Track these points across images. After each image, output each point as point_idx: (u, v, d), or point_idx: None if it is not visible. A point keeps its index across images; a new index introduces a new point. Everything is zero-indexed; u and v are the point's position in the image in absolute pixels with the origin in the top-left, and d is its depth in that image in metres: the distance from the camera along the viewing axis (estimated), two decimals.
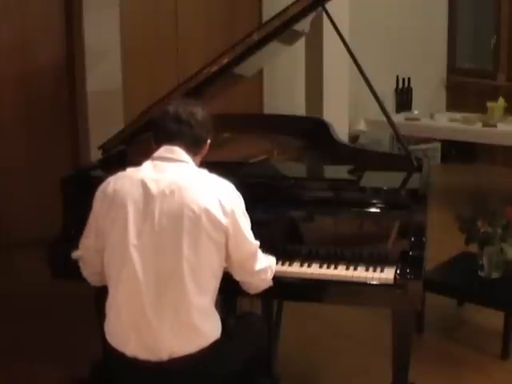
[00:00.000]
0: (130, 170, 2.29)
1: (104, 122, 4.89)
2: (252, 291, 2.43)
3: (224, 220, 2.19)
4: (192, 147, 2.32)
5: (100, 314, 2.46)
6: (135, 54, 5.41)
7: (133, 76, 5.34)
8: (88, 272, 2.43)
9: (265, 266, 2.37)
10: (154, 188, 2.19)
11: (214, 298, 2.28)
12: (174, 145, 2.29)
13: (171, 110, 2.34)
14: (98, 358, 2.41)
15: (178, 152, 2.28)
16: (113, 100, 5.15)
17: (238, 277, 2.37)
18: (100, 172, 3.06)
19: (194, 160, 2.33)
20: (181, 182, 2.20)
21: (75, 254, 2.56)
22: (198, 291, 2.17)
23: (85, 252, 2.39)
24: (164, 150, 2.30)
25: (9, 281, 4.55)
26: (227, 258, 2.28)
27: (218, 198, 2.20)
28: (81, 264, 2.44)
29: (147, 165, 2.28)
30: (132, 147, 3.19)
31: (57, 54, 5.22)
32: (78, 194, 2.87)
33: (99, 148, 3.27)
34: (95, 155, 3.46)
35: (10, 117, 5.11)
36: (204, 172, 2.30)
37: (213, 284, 2.25)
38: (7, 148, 5.10)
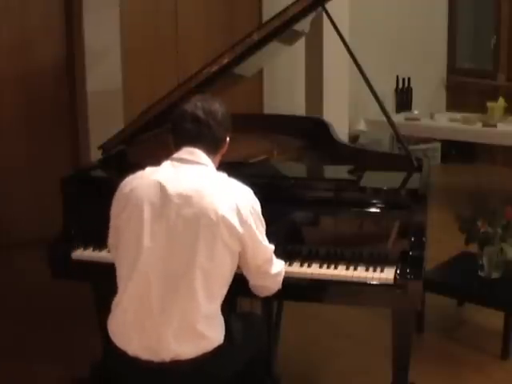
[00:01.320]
0: (148, 170, 2.27)
1: (104, 122, 4.89)
2: (264, 294, 2.43)
3: (241, 229, 2.17)
4: (212, 147, 2.31)
5: (100, 315, 2.46)
6: (135, 54, 5.41)
7: (133, 76, 5.34)
8: None
9: (280, 269, 2.38)
10: (171, 190, 2.17)
11: (220, 305, 2.27)
12: (194, 147, 2.27)
13: (189, 109, 2.30)
14: (98, 358, 2.41)
15: (198, 154, 2.26)
16: (113, 100, 5.14)
17: (253, 281, 2.36)
18: (100, 172, 3.06)
19: (213, 159, 2.32)
20: (199, 187, 2.18)
21: (76, 254, 2.56)
22: (207, 298, 2.16)
23: (111, 250, 2.39)
24: (184, 152, 2.27)
25: (9, 281, 4.55)
26: (244, 264, 2.28)
27: (236, 206, 2.18)
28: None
29: (166, 165, 2.26)
30: (132, 147, 3.19)
31: (57, 54, 5.22)
32: (77, 194, 2.88)
33: (99, 148, 3.27)
34: (95, 155, 3.46)
35: (10, 117, 5.11)
36: (223, 176, 2.28)
37: (222, 291, 2.24)
38: (7, 148, 5.10)
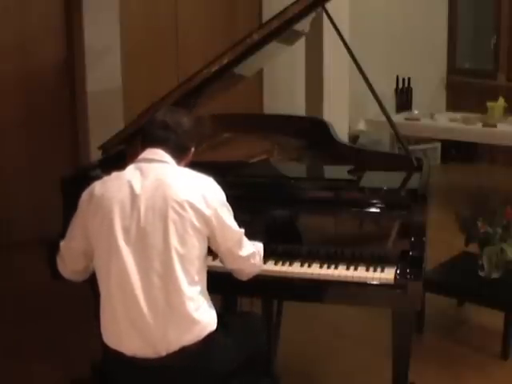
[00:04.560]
0: (114, 174, 2.34)
1: (104, 122, 4.89)
2: (244, 278, 2.46)
3: (207, 211, 2.25)
4: (176, 154, 2.39)
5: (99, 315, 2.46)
6: (135, 54, 5.41)
7: (133, 76, 5.34)
8: (69, 269, 2.45)
9: (252, 251, 2.41)
10: (138, 188, 2.24)
11: (204, 291, 2.29)
12: (159, 148, 2.36)
13: (159, 117, 2.42)
14: (98, 358, 2.41)
15: (161, 154, 2.35)
16: (113, 100, 5.15)
17: (228, 265, 2.41)
18: (100, 172, 3.05)
19: (177, 165, 2.39)
20: (164, 179, 2.27)
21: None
22: (188, 281, 2.21)
23: (67, 252, 2.41)
24: (147, 152, 2.36)
25: (9, 281, 4.55)
26: (217, 248, 2.34)
27: (201, 192, 2.26)
28: (59, 261, 2.46)
29: (131, 168, 2.34)
30: (132, 147, 3.19)
31: (57, 54, 5.22)
32: (78, 194, 2.87)
33: (99, 148, 3.27)
34: (95, 155, 3.46)
35: (10, 117, 5.10)
36: (186, 170, 2.37)
37: (200, 275, 2.27)
38: (7, 148, 5.10)
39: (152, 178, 2.26)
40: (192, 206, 2.22)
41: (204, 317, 2.25)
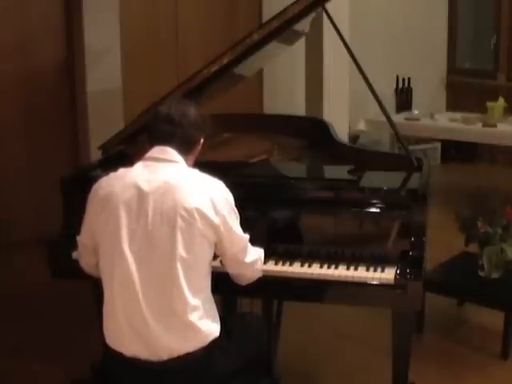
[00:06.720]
0: (121, 171, 2.30)
1: (104, 122, 4.89)
2: (244, 283, 2.45)
3: (216, 219, 2.21)
4: (184, 148, 2.34)
5: (100, 315, 2.46)
6: (135, 54, 5.41)
7: (133, 76, 5.34)
8: (84, 263, 2.46)
9: (255, 257, 2.40)
10: (146, 188, 2.20)
11: (209, 297, 2.28)
12: (167, 145, 2.31)
13: (163, 110, 2.35)
14: (98, 358, 2.41)
15: (170, 152, 2.30)
16: (113, 100, 5.15)
17: (231, 270, 2.40)
18: (100, 172, 3.05)
19: (186, 160, 2.35)
20: (173, 182, 2.22)
21: (76, 254, 2.56)
22: (192, 290, 2.19)
23: (81, 247, 2.42)
24: (156, 151, 2.31)
25: (9, 281, 4.55)
26: (223, 254, 2.32)
27: (210, 198, 2.22)
28: (78, 255, 2.48)
29: (139, 165, 2.30)
30: (132, 147, 3.19)
31: (57, 54, 5.22)
32: (77, 194, 2.87)
33: (99, 148, 3.27)
34: (95, 155, 3.46)
35: (10, 117, 5.10)
36: (195, 172, 2.32)
37: (205, 283, 2.26)
38: (7, 148, 5.10)
39: (160, 179, 2.22)
40: (200, 213, 2.18)
41: (208, 325, 2.23)
